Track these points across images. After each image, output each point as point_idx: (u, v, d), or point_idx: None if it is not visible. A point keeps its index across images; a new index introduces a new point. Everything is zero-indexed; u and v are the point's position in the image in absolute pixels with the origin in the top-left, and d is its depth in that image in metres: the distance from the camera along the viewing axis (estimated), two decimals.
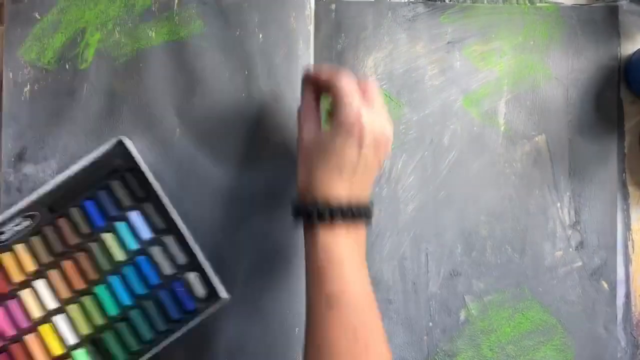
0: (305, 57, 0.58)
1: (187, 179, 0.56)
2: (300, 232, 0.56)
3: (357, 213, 0.46)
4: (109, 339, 0.53)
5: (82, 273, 0.54)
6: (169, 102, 0.57)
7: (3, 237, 0.53)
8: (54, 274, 0.53)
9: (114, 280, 0.53)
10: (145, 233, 0.54)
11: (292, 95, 0.57)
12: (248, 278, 0.56)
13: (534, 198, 0.59)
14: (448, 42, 0.59)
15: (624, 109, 0.60)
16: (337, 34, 0.59)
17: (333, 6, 0.59)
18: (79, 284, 0.53)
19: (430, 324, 0.58)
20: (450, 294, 0.58)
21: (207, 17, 0.57)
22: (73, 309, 0.53)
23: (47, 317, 0.53)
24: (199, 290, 0.53)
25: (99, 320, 0.53)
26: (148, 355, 0.53)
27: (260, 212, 0.57)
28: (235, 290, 0.56)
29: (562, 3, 0.60)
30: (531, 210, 0.59)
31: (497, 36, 0.59)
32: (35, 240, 0.54)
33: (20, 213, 0.53)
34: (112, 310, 0.53)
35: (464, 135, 0.59)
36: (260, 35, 0.58)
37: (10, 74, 0.56)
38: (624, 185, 0.59)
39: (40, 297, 0.53)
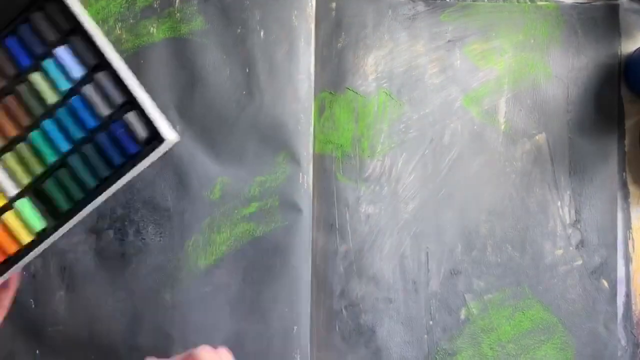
0: (306, 55, 0.58)
1: (186, 176, 0.56)
2: (299, 231, 0.56)
3: None
4: (51, 187, 0.49)
5: (14, 119, 0.49)
6: (169, 99, 0.57)
7: None
8: None
9: (48, 124, 0.49)
10: (76, 71, 0.48)
11: (293, 93, 0.57)
12: (247, 277, 0.56)
13: (534, 197, 0.59)
14: (448, 41, 0.59)
15: (624, 107, 0.60)
16: (337, 32, 0.59)
17: (333, 5, 0.59)
18: (12, 131, 0.49)
19: (431, 322, 0.58)
20: (451, 292, 0.58)
21: (209, 14, 0.57)
22: (8, 157, 0.49)
23: None
24: (140, 131, 0.48)
25: (37, 168, 0.49)
26: (93, 204, 0.49)
27: (259, 210, 0.57)
28: (235, 288, 0.56)
29: (563, 1, 0.60)
30: (531, 208, 0.59)
31: (497, 35, 0.59)
32: None
33: None
34: (50, 157, 0.49)
35: (464, 133, 0.59)
36: (262, 33, 0.58)
37: None
38: (624, 184, 0.59)
39: None
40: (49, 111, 0.49)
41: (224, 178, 0.57)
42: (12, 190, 0.49)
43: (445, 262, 0.58)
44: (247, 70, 0.58)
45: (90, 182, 0.49)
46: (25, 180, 0.49)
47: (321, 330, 0.57)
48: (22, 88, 0.49)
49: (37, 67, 0.49)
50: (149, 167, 0.56)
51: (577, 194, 0.59)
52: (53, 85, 0.49)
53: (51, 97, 0.49)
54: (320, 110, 0.58)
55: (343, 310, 0.57)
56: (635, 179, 0.59)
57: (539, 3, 0.60)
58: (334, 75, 0.58)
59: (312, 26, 0.58)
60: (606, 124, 0.59)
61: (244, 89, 0.57)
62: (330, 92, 0.58)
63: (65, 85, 0.48)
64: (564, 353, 0.57)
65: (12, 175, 0.49)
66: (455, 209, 0.59)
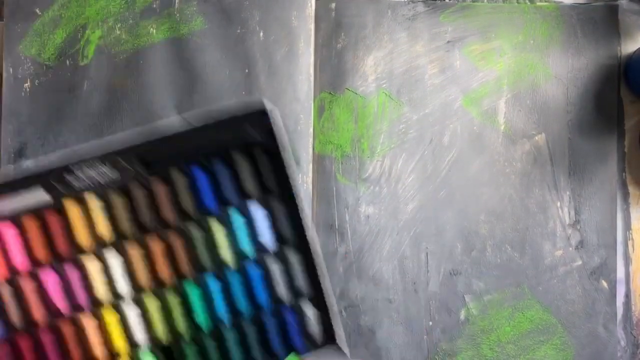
0: (306, 56, 0.58)
1: None
2: None
3: None
4: (189, 354, 0.42)
5: (173, 261, 0.43)
6: (169, 99, 0.57)
7: (72, 178, 0.41)
8: (134, 251, 0.42)
9: (213, 283, 0.43)
10: (267, 238, 0.44)
11: (293, 94, 0.57)
12: None
13: (533, 197, 0.59)
14: (448, 41, 0.59)
15: (624, 108, 0.60)
16: (337, 32, 0.59)
17: (333, 5, 0.59)
18: (165, 274, 0.42)
19: (431, 323, 0.58)
20: (450, 293, 0.58)
21: (208, 15, 0.57)
22: (151, 302, 0.42)
23: (115, 302, 0.42)
24: (314, 328, 0.44)
25: (181, 326, 0.42)
26: None
27: None
28: None
29: (562, 2, 0.60)
30: (531, 209, 0.59)
31: (497, 35, 0.59)
32: (118, 199, 0.42)
33: (105, 157, 0.41)
34: (202, 321, 0.43)
35: (464, 134, 0.59)
36: (261, 34, 0.58)
37: (11, 70, 0.56)
38: (623, 185, 0.59)
39: (111, 273, 0.42)
40: (219, 270, 0.42)
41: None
42: (140, 339, 0.42)
43: (445, 262, 0.58)
44: (247, 71, 0.57)
45: None
46: (161, 334, 0.42)
47: None
48: (196, 232, 0.42)
49: (223, 216, 0.42)
50: None
51: (576, 195, 0.59)
52: (234, 242, 0.42)
53: (227, 255, 0.42)
54: (320, 111, 0.58)
55: (343, 311, 0.57)
56: (635, 179, 0.59)
57: (539, 4, 0.60)
58: (333, 76, 0.58)
59: (312, 27, 0.58)
60: (606, 125, 0.59)
61: (244, 89, 0.57)
62: (330, 93, 0.58)
63: (248, 249, 0.42)
64: (564, 354, 0.57)
65: (147, 324, 0.42)
66: (455, 209, 0.59)
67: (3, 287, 0.41)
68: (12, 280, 0.41)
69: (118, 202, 0.42)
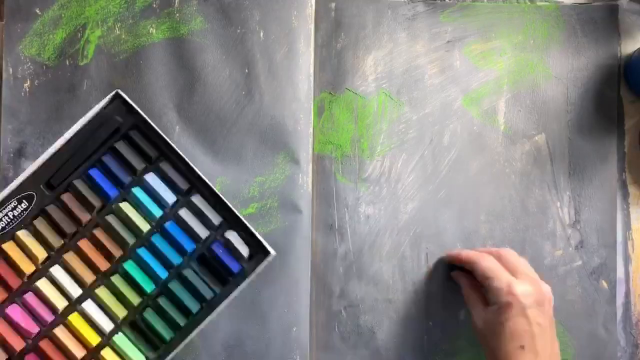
0: (306, 56, 0.58)
1: None
2: (298, 232, 0.56)
3: None
4: (151, 317, 0.47)
5: (104, 251, 0.48)
6: (168, 99, 0.57)
7: (2, 224, 0.47)
8: (70, 257, 0.48)
9: (144, 252, 0.48)
10: (168, 196, 0.49)
11: (293, 94, 0.57)
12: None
13: (533, 197, 0.59)
14: (448, 41, 0.59)
15: (624, 108, 0.60)
16: (336, 32, 0.59)
17: (333, 5, 0.59)
18: (103, 264, 0.48)
19: (430, 323, 0.58)
20: (450, 293, 0.58)
21: (208, 14, 0.57)
22: (102, 292, 0.48)
23: (74, 306, 0.48)
24: (243, 249, 0.48)
25: (135, 299, 0.48)
26: (198, 329, 0.48)
27: (258, 211, 0.57)
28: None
29: (562, 2, 0.60)
30: (531, 209, 0.59)
31: (497, 35, 0.59)
32: (40, 223, 0.47)
33: (13, 195, 0.47)
34: (148, 286, 0.48)
35: (464, 134, 0.59)
36: (261, 33, 0.58)
37: (10, 69, 0.56)
38: (623, 185, 0.59)
39: (61, 285, 0.47)
40: (142, 240, 0.48)
41: (223, 178, 0.57)
42: (108, 326, 0.47)
43: (445, 262, 0.58)
44: (247, 71, 0.58)
45: (193, 307, 0.48)
46: (122, 313, 0.48)
47: (320, 331, 0.57)
48: (111, 219, 0.48)
49: (126, 197, 0.49)
50: None
51: (576, 195, 0.59)
52: (144, 212, 0.48)
53: (143, 225, 0.48)
54: (320, 111, 0.58)
55: (342, 311, 0.57)
56: (635, 179, 0.59)
57: (539, 4, 0.60)
58: (333, 76, 0.58)
59: (312, 26, 0.58)
60: (606, 125, 0.59)
61: (244, 89, 0.57)
62: (330, 93, 0.58)
63: (157, 212, 0.48)
64: (563, 354, 0.57)
65: (107, 310, 0.48)
66: (455, 209, 0.59)
67: None
68: None
69: (41, 225, 0.47)
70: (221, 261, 0.48)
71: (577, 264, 0.58)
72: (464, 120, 0.59)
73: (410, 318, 0.58)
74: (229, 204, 0.49)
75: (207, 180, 0.49)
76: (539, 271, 0.57)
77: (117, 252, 0.48)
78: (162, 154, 0.49)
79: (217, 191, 0.49)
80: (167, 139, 0.49)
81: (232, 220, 0.49)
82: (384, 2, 0.59)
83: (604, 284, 0.58)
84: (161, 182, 0.49)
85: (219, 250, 0.48)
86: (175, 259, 0.48)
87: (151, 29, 0.57)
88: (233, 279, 0.48)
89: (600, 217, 0.59)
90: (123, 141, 0.49)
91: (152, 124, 0.48)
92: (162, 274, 0.48)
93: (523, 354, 0.47)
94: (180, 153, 0.49)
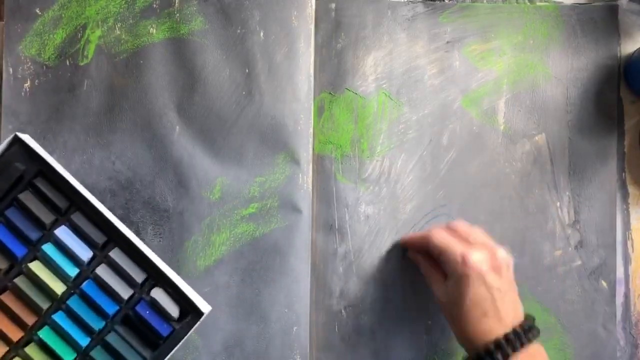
0: (306, 56, 0.58)
1: (186, 177, 0.56)
2: (299, 232, 0.56)
3: (526, 337, 0.46)
4: None
5: (15, 319, 0.43)
6: (168, 99, 0.57)
7: None
8: None
9: (60, 318, 0.43)
10: (83, 251, 0.44)
11: (293, 94, 0.57)
12: (247, 277, 0.56)
13: (533, 197, 0.59)
14: (447, 42, 0.59)
15: (623, 108, 0.60)
16: (336, 32, 0.59)
17: (333, 5, 0.59)
18: (15, 334, 0.42)
19: (430, 322, 0.58)
20: None
21: (208, 15, 0.57)
22: None
23: None
24: (172, 308, 0.44)
25: None
26: None
27: (259, 211, 0.57)
28: (235, 289, 0.56)
29: (562, 2, 0.60)
30: (530, 209, 0.59)
31: (496, 35, 0.59)
32: None
33: None
34: (68, 356, 0.43)
35: (463, 134, 0.59)
36: (261, 33, 0.58)
37: (10, 70, 0.56)
38: (623, 185, 0.59)
39: None
40: (58, 303, 0.43)
41: (223, 179, 0.57)
42: None
43: None
44: (247, 71, 0.58)
45: None
46: None
47: (321, 330, 0.57)
48: (21, 282, 0.42)
49: (36, 255, 0.43)
50: (148, 168, 0.56)
51: (576, 195, 0.59)
52: (58, 272, 0.43)
53: (58, 287, 0.43)
54: (320, 111, 0.58)
55: (342, 310, 0.57)
56: (635, 179, 0.59)
57: (538, 4, 0.60)
58: (333, 76, 0.58)
59: (312, 27, 0.58)
60: (606, 125, 0.59)
61: (244, 89, 0.57)
62: (330, 93, 0.58)
63: (72, 271, 0.43)
64: (563, 353, 0.57)
65: None
66: (455, 209, 0.59)
67: None
68: None
69: None
70: (148, 324, 0.43)
71: (577, 264, 0.58)
72: (463, 121, 0.59)
73: (410, 318, 0.58)
74: (153, 256, 0.44)
75: (125, 231, 0.44)
76: (539, 271, 0.58)
77: (30, 319, 0.43)
78: (72, 204, 0.44)
79: (139, 243, 0.44)
80: (78, 186, 0.43)
81: (157, 276, 0.44)
82: (384, 2, 0.59)
83: (604, 284, 0.58)
84: (74, 236, 0.44)
85: (144, 312, 0.43)
86: (97, 323, 0.43)
87: (151, 29, 0.57)
88: (164, 343, 0.43)
89: (599, 217, 0.59)
90: (28, 191, 0.44)
91: (59, 169, 0.43)
92: (83, 341, 0.43)
93: (486, 320, 0.47)
94: (94, 201, 0.43)
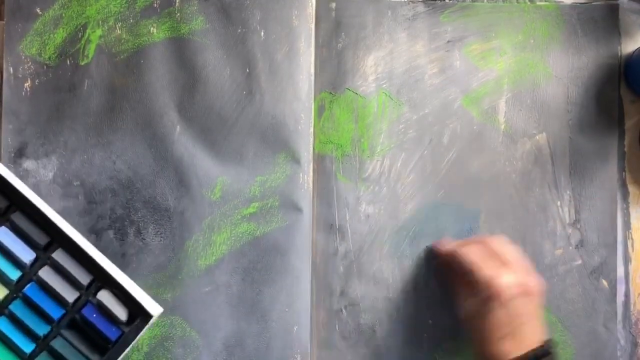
0: (307, 56, 0.58)
1: (187, 176, 0.56)
2: (299, 231, 0.56)
3: None
4: None
5: None
6: (169, 99, 0.57)
7: None
8: None
9: (3, 323, 0.41)
10: (25, 253, 0.42)
11: (294, 93, 0.58)
12: (247, 276, 0.56)
13: (534, 196, 0.59)
14: (448, 41, 0.59)
15: (624, 107, 0.60)
16: (337, 32, 0.59)
17: (333, 5, 0.59)
18: None
19: (430, 321, 0.58)
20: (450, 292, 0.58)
21: (209, 14, 0.57)
22: None
23: None
24: (119, 311, 0.42)
25: None
26: None
27: (259, 210, 0.57)
28: (235, 288, 0.56)
29: (562, 1, 0.60)
30: (531, 208, 0.59)
31: (497, 35, 0.59)
32: None
33: None
34: None
35: (464, 134, 0.59)
36: (262, 33, 0.58)
37: (11, 69, 0.56)
38: (623, 184, 0.59)
39: None
40: (0, 309, 0.41)
41: (224, 178, 0.57)
42: None
43: None
44: (248, 70, 0.58)
45: None
46: None
47: (321, 330, 0.57)
48: None
49: None
50: (149, 167, 0.56)
51: (577, 194, 0.59)
52: None
53: (0, 291, 0.41)
54: (320, 111, 0.58)
55: (343, 309, 0.57)
56: (635, 179, 0.59)
57: (539, 3, 0.60)
58: (333, 76, 0.59)
59: (313, 26, 0.58)
60: (606, 124, 0.59)
61: (244, 89, 0.57)
62: (330, 93, 0.58)
63: (14, 274, 0.41)
64: (563, 353, 0.57)
65: None
66: (455, 208, 0.59)
67: None
68: None
69: None
70: (96, 327, 0.41)
71: (577, 263, 0.58)
72: (464, 120, 0.59)
73: (410, 317, 0.58)
74: (100, 257, 0.42)
75: (69, 231, 0.42)
76: (539, 270, 0.58)
77: None
78: (12, 203, 0.42)
79: (83, 243, 0.42)
80: (18, 184, 0.42)
81: (103, 278, 0.42)
82: (384, 2, 0.59)
83: (604, 283, 0.58)
84: (16, 238, 0.42)
85: (91, 316, 0.41)
86: (41, 328, 0.41)
87: (152, 28, 0.57)
88: (113, 347, 0.41)
89: (600, 216, 0.59)
90: None
91: (3, 170, 0.41)
92: (27, 347, 0.41)
93: (504, 342, 0.47)
94: (35, 201, 0.41)
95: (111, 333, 0.41)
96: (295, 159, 0.57)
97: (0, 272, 0.41)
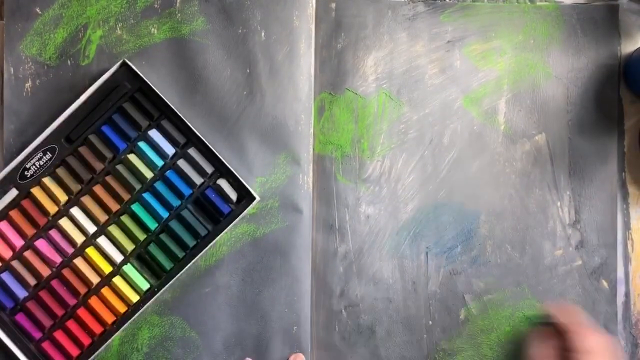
0: (307, 56, 0.58)
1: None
2: (299, 232, 0.56)
3: None
4: (154, 250, 0.55)
5: (114, 195, 0.56)
6: (170, 99, 0.57)
7: (28, 172, 0.55)
8: (86, 200, 0.56)
9: (148, 196, 0.56)
10: (168, 148, 0.56)
11: (294, 94, 0.58)
12: (247, 277, 0.56)
13: (534, 197, 0.59)
14: (448, 41, 0.59)
15: (624, 107, 0.60)
16: (337, 32, 0.59)
17: (333, 5, 0.59)
18: (114, 206, 0.56)
19: (430, 322, 0.58)
20: (450, 292, 0.58)
21: (210, 15, 0.57)
22: (113, 229, 0.56)
23: (90, 241, 0.56)
24: (231, 194, 0.56)
25: (140, 235, 0.56)
26: (193, 260, 0.56)
27: (259, 211, 0.57)
28: (235, 289, 0.56)
29: (562, 2, 0.60)
30: (531, 209, 0.59)
31: (497, 35, 0.59)
32: (61, 171, 0.55)
33: (39, 148, 0.55)
34: (152, 225, 0.56)
35: (464, 134, 0.59)
36: (263, 33, 0.58)
37: (12, 69, 0.56)
38: (623, 184, 0.59)
39: (79, 223, 0.55)
40: (147, 185, 0.56)
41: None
42: (119, 258, 0.56)
43: (445, 262, 0.58)
44: (248, 71, 0.58)
45: (190, 242, 0.56)
46: (130, 247, 0.56)
47: (321, 330, 0.57)
48: (120, 168, 0.56)
49: (133, 149, 0.56)
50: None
51: (576, 195, 0.59)
52: (148, 163, 0.56)
53: (148, 173, 0.56)
54: (320, 111, 0.58)
55: (343, 310, 0.57)
56: (635, 179, 0.59)
57: (539, 3, 0.60)
58: (333, 76, 0.59)
59: (313, 27, 0.58)
60: (606, 124, 0.59)
61: (245, 89, 0.57)
62: (330, 93, 0.58)
63: (159, 162, 0.56)
64: None
65: (117, 245, 0.56)
66: (455, 209, 0.59)
67: (14, 262, 0.55)
68: (19, 255, 0.55)
69: (62, 173, 0.55)
70: (214, 204, 0.56)
71: (577, 263, 0.58)
72: (464, 120, 0.59)
73: (410, 317, 0.58)
74: (220, 156, 0.56)
75: (201, 136, 0.55)
76: (539, 270, 0.58)
77: (125, 196, 0.56)
78: (162, 114, 0.56)
79: (209, 145, 0.55)
80: (167, 101, 0.55)
81: (222, 170, 0.56)
82: (384, 2, 0.59)
83: (604, 283, 0.58)
84: (162, 137, 0.56)
85: (211, 195, 0.55)
86: (175, 201, 0.56)
87: (153, 29, 0.57)
88: (224, 219, 0.56)
89: (600, 216, 0.59)
90: (130, 102, 0.56)
91: (153, 87, 0.55)
92: (164, 214, 0.56)
93: None
94: (178, 113, 0.55)
95: (224, 208, 0.55)
96: (295, 160, 0.57)
97: (150, 160, 0.55)
